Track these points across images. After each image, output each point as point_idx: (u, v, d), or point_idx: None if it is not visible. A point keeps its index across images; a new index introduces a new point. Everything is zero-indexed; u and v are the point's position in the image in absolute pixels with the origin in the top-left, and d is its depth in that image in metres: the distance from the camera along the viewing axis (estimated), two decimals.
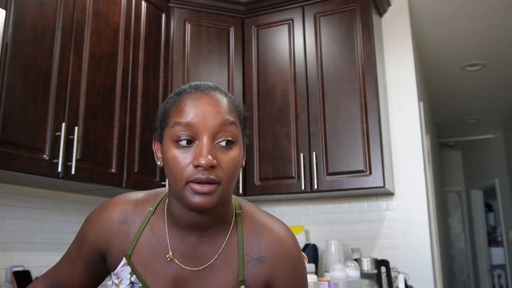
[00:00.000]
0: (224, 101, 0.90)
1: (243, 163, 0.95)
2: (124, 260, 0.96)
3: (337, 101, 2.73)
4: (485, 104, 5.74)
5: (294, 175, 2.73)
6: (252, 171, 2.83)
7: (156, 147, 0.94)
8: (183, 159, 0.84)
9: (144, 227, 0.97)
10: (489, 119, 6.32)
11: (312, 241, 3.01)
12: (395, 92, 3.05)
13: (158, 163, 0.93)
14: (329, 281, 2.28)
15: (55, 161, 1.88)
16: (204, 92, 0.89)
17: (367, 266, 2.60)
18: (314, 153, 2.70)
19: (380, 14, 3.12)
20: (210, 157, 0.83)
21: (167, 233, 0.95)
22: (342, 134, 2.67)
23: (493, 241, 8.06)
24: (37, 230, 2.25)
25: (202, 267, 0.92)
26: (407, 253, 2.83)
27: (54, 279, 1.06)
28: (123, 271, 0.95)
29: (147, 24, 2.61)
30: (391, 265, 2.75)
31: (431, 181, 3.80)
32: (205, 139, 0.84)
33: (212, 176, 0.83)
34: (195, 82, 0.94)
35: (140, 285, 0.93)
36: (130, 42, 2.43)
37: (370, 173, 2.57)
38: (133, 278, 0.94)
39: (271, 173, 2.79)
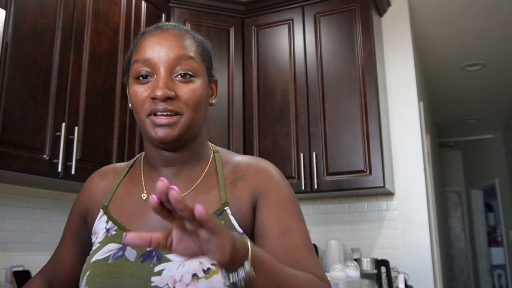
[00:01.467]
0: (183, 36, 0.91)
1: (213, 101, 0.97)
2: (101, 212, 0.95)
3: (337, 101, 2.73)
4: (485, 104, 5.74)
5: (294, 175, 2.73)
6: None
7: (127, 91, 0.95)
8: (142, 92, 0.87)
9: (122, 179, 0.99)
10: (489, 119, 6.32)
11: (312, 241, 3.01)
12: (395, 92, 3.05)
13: (130, 105, 0.93)
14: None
15: (55, 161, 1.88)
16: (163, 29, 0.91)
17: (367, 266, 2.60)
18: (314, 153, 2.70)
19: (380, 14, 3.12)
20: (166, 88, 0.84)
21: (142, 177, 0.96)
22: (342, 134, 2.67)
23: (493, 241, 8.06)
24: (37, 230, 2.25)
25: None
26: (407, 253, 2.83)
27: (49, 269, 1.06)
28: (100, 223, 0.94)
29: (147, 24, 2.60)
30: (391, 265, 2.75)
31: (431, 181, 3.80)
32: (162, 72, 0.86)
33: (170, 107, 0.85)
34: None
35: (116, 228, 0.90)
36: (130, 42, 2.43)
37: (370, 173, 2.57)
38: (108, 224, 0.92)
39: None
